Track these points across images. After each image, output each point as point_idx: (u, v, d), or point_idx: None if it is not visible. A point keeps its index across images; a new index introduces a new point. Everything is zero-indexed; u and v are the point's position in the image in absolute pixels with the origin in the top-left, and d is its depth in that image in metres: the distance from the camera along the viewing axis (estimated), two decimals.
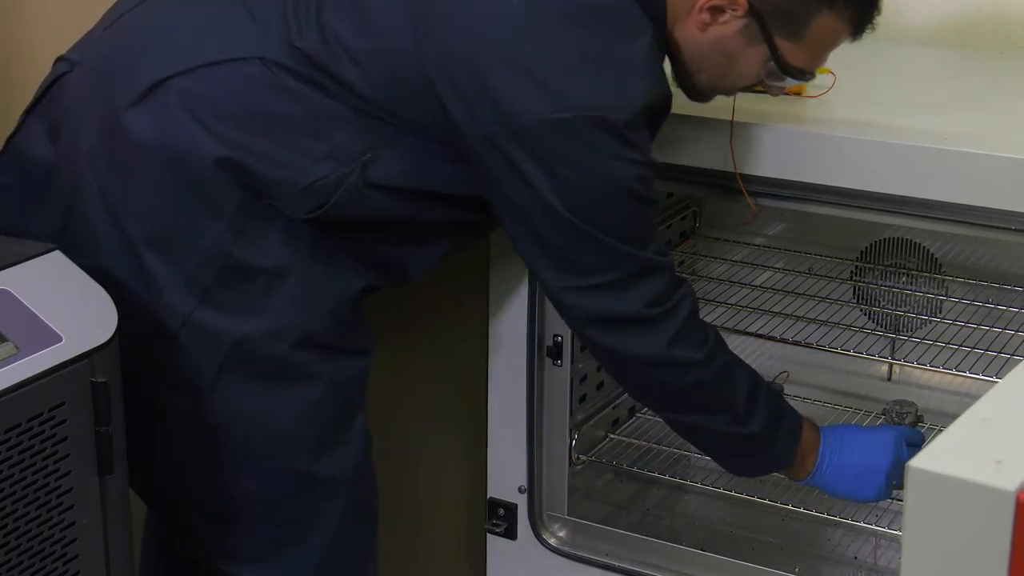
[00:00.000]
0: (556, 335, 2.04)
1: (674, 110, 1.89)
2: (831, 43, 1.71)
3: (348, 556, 1.85)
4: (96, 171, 1.70)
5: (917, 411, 2.12)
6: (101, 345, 1.53)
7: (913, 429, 1.98)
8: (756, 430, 1.79)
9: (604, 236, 1.66)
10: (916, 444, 1.92)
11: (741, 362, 1.81)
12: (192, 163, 1.66)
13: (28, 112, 1.78)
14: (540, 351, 2.04)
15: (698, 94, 1.77)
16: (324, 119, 1.67)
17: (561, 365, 2.05)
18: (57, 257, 1.60)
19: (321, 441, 1.77)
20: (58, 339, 1.51)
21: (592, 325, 1.73)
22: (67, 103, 1.74)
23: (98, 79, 1.74)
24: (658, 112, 1.69)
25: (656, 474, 2.21)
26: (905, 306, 2.24)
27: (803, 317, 2.16)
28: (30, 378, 1.46)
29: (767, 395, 1.81)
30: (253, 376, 1.72)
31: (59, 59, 1.80)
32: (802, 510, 2.12)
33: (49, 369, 1.48)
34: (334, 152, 1.66)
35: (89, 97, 1.72)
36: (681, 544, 2.09)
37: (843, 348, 2.11)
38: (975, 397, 1.05)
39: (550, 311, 2.03)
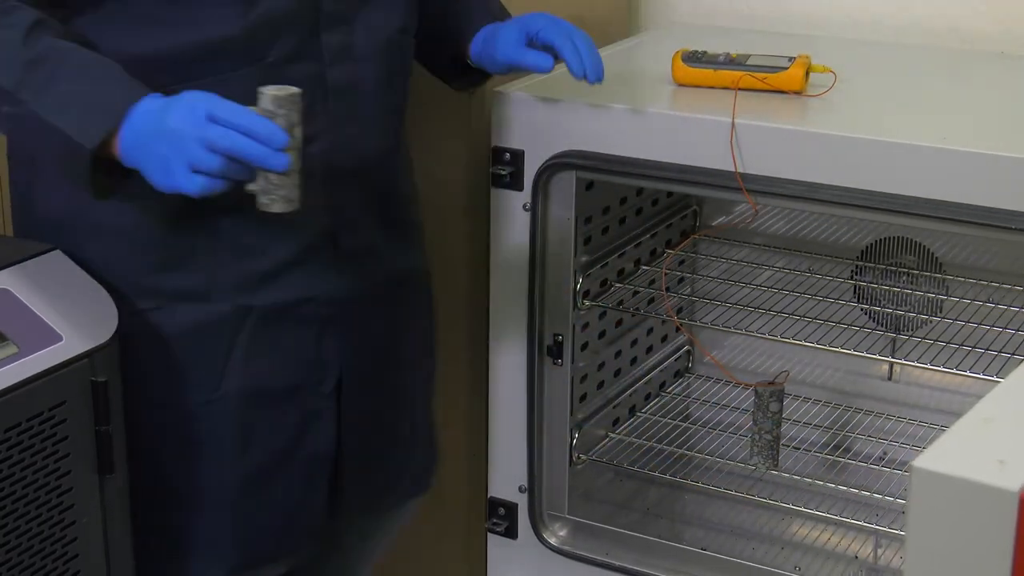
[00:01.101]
0: (556, 334, 2.04)
1: (674, 110, 1.90)
2: None
3: (258, 525, 1.76)
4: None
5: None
6: (101, 345, 1.53)
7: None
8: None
9: None
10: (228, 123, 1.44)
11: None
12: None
13: None
14: (540, 350, 2.04)
15: None
16: None
17: (561, 364, 2.05)
18: (57, 257, 1.60)
19: (185, 401, 1.68)
20: (58, 339, 1.51)
21: None
22: None
23: None
24: None
25: (656, 474, 2.21)
26: (906, 305, 2.24)
27: (803, 316, 2.16)
28: (30, 377, 1.46)
29: (44, 54, 1.49)
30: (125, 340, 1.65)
31: None
32: (802, 510, 2.13)
33: (49, 369, 1.48)
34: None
35: None
36: (681, 544, 2.09)
37: (844, 347, 2.11)
38: (976, 396, 1.05)
39: (550, 311, 2.03)
